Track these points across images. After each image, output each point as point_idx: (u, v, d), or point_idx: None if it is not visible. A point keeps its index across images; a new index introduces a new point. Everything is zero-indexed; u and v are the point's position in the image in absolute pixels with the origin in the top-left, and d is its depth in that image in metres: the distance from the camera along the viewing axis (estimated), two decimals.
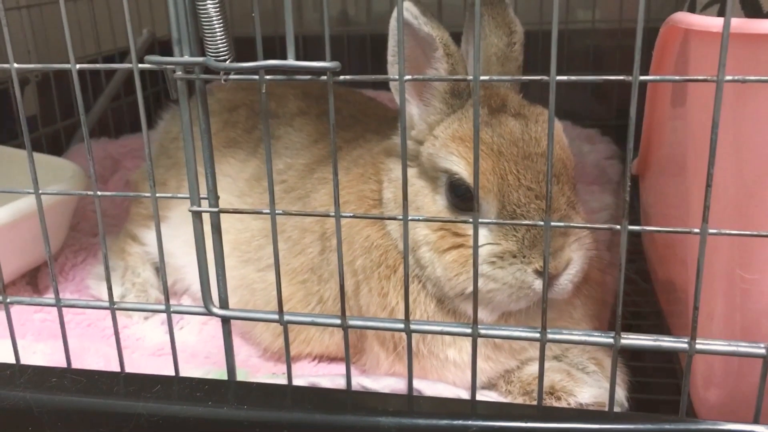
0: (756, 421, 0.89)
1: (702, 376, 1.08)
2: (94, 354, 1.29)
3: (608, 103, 2.60)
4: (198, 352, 1.42)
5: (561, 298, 1.17)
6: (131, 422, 0.96)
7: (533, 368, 1.22)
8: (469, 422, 0.90)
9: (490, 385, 1.25)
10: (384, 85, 1.17)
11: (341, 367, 1.34)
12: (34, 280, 1.70)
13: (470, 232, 1.13)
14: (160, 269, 1.07)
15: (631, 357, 1.28)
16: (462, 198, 1.14)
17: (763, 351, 0.86)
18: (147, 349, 1.45)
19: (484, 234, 1.12)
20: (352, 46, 2.73)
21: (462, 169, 1.12)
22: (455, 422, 0.90)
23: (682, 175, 1.10)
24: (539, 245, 1.08)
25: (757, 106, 0.85)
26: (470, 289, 1.13)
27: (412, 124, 1.24)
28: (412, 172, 1.23)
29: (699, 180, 0.92)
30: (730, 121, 0.90)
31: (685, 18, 0.90)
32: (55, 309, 1.47)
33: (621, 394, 1.18)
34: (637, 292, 1.62)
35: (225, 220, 1.47)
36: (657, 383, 1.30)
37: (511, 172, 1.11)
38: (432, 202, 1.18)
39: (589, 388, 1.16)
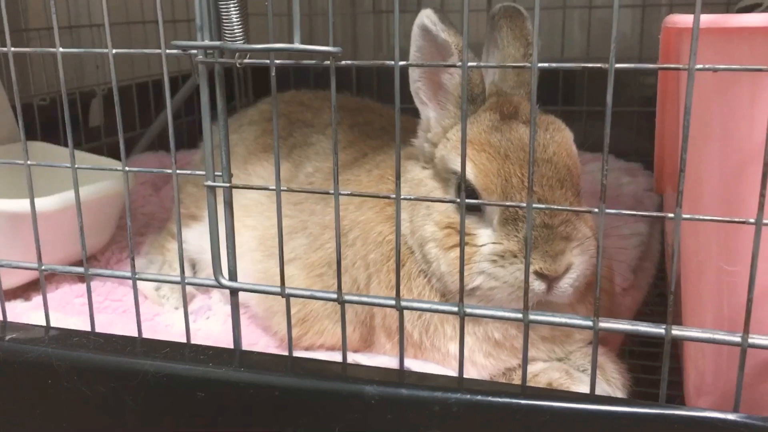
0: (735, 410, 0.90)
1: (693, 384, 1.09)
2: (120, 329, 1.38)
3: (653, 140, 2.60)
4: (221, 340, 1.48)
5: (562, 302, 1.19)
6: (138, 378, 1.03)
7: (535, 367, 1.24)
8: (449, 394, 0.94)
9: None
10: None
11: (352, 357, 1.39)
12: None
13: (475, 231, 1.18)
14: (177, 244, 1.15)
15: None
16: (470, 197, 1.19)
17: (738, 339, 0.88)
18: (174, 334, 1.52)
19: (487, 234, 1.17)
20: None
21: (469, 169, 1.17)
22: (435, 394, 0.94)
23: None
24: (540, 247, 1.12)
25: (736, 98, 0.88)
26: (471, 284, 1.17)
27: (429, 127, 1.30)
28: (426, 173, 1.30)
29: (706, 189, 0.96)
30: (716, 114, 0.93)
31: (673, 18, 0.95)
32: (95, 294, 1.58)
33: (619, 395, 1.20)
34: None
35: (253, 217, 1.57)
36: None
37: (515, 174, 1.15)
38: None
39: (585, 386, 1.17)
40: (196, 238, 1.71)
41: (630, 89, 2.71)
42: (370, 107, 1.81)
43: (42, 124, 2.17)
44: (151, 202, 2.17)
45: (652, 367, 1.37)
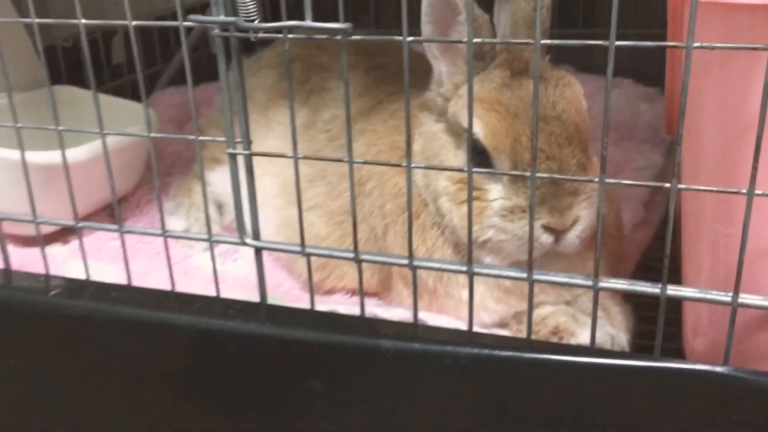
0: (725, 363, 0.97)
1: (691, 325, 1.16)
2: (156, 278, 1.46)
3: None
4: (248, 282, 1.57)
5: (569, 252, 1.25)
6: (171, 332, 1.12)
7: (543, 310, 1.31)
8: (459, 348, 1.01)
9: (502, 325, 1.35)
10: None
11: (370, 301, 1.47)
12: (113, 212, 1.91)
13: (486, 186, 1.23)
14: (203, 201, 1.22)
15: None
16: (480, 155, 1.23)
17: (729, 299, 0.94)
18: (204, 276, 1.61)
19: (498, 189, 1.22)
20: None
21: (479, 129, 1.21)
22: (447, 348, 1.02)
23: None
24: (548, 202, 1.17)
25: (735, 68, 0.91)
26: (482, 237, 1.23)
27: (441, 81, 1.33)
28: (439, 126, 1.33)
29: (706, 153, 0.99)
30: (717, 85, 0.96)
31: None
32: (128, 238, 1.67)
33: (623, 338, 1.27)
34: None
35: (276, 164, 1.62)
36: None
37: (524, 133, 1.19)
38: (454, 156, 1.28)
39: (589, 330, 1.25)
40: (222, 181, 1.77)
41: (655, 6, 2.66)
42: (385, 48, 1.82)
43: (67, 65, 2.21)
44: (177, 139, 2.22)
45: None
